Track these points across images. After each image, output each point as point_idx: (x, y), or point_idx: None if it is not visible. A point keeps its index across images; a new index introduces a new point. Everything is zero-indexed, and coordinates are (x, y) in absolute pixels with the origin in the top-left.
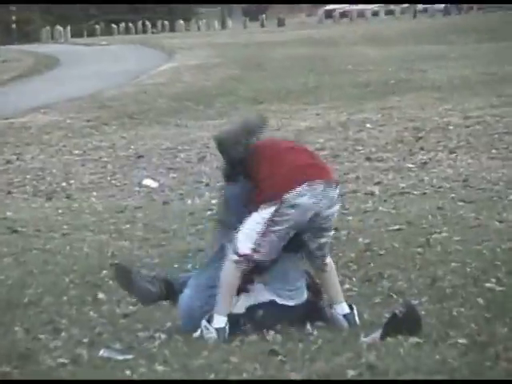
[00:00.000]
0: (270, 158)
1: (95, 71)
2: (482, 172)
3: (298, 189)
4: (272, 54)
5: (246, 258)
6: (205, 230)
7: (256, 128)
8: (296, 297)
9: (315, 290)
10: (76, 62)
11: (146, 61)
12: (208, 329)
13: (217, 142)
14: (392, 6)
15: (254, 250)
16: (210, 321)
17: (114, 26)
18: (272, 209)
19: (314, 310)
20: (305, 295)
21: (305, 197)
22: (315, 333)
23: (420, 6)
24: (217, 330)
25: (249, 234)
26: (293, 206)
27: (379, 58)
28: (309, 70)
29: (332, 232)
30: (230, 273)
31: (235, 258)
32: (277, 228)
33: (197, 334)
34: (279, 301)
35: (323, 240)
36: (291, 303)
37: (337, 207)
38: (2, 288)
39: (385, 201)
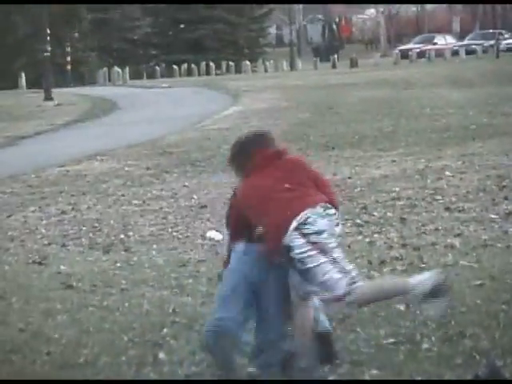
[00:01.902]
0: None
1: (155, 115)
2: None
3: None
4: (344, 97)
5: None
6: None
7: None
8: None
9: None
10: (135, 106)
11: (209, 104)
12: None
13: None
14: (473, 46)
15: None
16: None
17: (175, 67)
18: None
19: None
20: None
21: None
22: None
23: (503, 45)
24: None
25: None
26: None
27: (459, 101)
28: (384, 113)
29: None
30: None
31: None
32: None
33: None
34: None
35: None
36: None
37: None
38: (56, 347)
39: (466, 254)
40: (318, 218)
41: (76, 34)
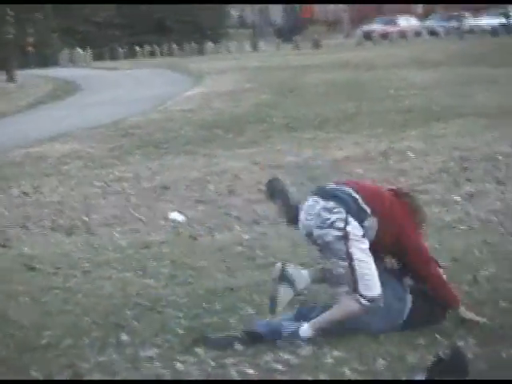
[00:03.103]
0: None
1: (118, 97)
2: None
3: None
4: (307, 79)
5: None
6: (235, 267)
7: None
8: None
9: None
10: (97, 88)
11: (172, 86)
12: None
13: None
14: (436, 27)
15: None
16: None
17: (137, 48)
18: None
19: None
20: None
21: None
22: (355, 377)
23: (467, 27)
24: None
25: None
26: None
27: (422, 82)
28: (346, 95)
29: None
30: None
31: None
32: None
33: None
34: None
35: None
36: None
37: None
38: (19, 330)
39: (429, 235)
40: None
41: (39, 16)
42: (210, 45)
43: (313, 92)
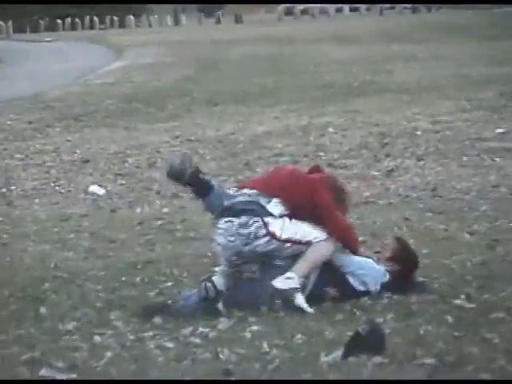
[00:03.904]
0: None
1: (38, 70)
2: (451, 181)
3: None
4: (228, 53)
5: None
6: (154, 241)
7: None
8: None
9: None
10: (18, 60)
11: (93, 59)
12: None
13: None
14: (357, 3)
15: None
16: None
17: (59, 21)
18: None
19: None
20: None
21: None
22: (273, 352)
23: (387, 3)
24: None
25: None
26: None
27: (343, 58)
28: (267, 70)
29: None
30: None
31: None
32: None
33: None
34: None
35: None
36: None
37: None
38: None
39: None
40: None
41: None
42: (131, 18)
43: (235, 66)
